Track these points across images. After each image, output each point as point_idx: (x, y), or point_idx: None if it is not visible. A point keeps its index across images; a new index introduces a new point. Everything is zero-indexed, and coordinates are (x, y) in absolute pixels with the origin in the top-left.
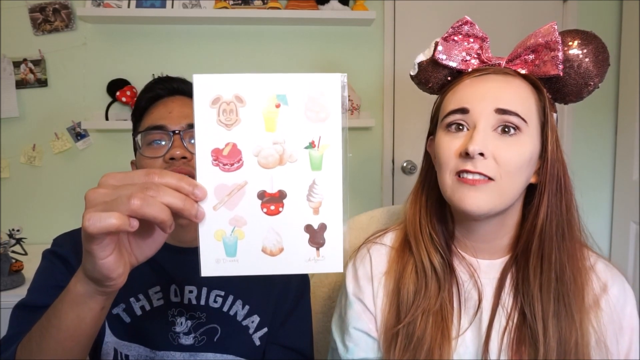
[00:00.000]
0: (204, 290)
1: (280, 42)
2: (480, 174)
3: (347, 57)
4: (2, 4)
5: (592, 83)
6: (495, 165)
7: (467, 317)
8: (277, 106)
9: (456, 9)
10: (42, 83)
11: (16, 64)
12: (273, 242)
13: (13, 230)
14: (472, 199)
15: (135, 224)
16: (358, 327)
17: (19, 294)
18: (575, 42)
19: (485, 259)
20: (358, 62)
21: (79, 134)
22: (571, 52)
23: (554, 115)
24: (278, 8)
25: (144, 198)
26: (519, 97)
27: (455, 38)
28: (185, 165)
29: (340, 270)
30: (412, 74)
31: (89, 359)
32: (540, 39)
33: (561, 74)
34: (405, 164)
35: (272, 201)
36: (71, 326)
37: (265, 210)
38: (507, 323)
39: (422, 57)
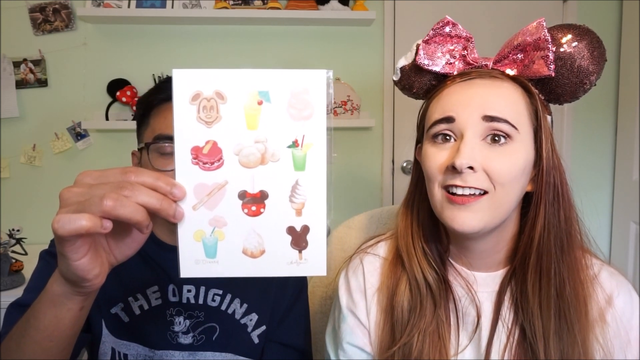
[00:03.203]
0: (202, 290)
1: (280, 42)
2: (471, 188)
3: (347, 57)
4: (2, 4)
5: (588, 81)
6: (487, 178)
7: (466, 334)
8: (260, 103)
9: (456, 9)
10: (42, 83)
11: (16, 64)
12: (254, 244)
13: (13, 230)
14: (463, 219)
15: (107, 225)
16: (352, 342)
17: (19, 294)
18: (567, 38)
19: (483, 272)
20: (358, 62)
21: (79, 134)
22: (563, 49)
23: (548, 117)
24: (278, 8)
25: (117, 198)
26: (507, 102)
27: (437, 40)
28: None
29: (324, 273)
30: (394, 79)
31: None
32: (528, 38)
33: (553, 74)
34: (405, 164)
35: (254, 202)
36: (49, 326)
37: (246, 210)
38: (508, 339)
39: (403, 62)
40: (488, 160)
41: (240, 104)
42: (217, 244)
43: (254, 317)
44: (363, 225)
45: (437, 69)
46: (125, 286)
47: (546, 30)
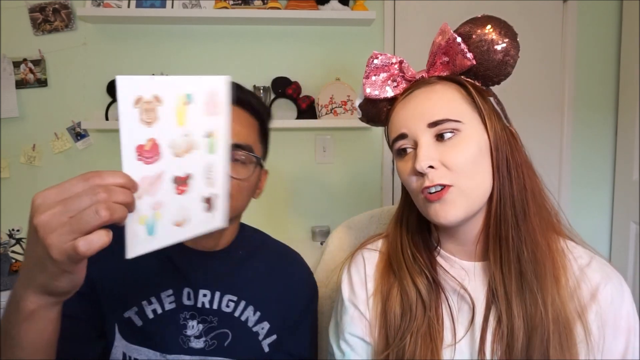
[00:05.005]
0: (217, 295)
1: (280, 42)
2: (436, 185)
3: (347, 57)
4: (2, 4)
5: (509, 56)
6: (448, 171)
7: (462, 326)
8: (186, 104)
9: (456, 9)
10: (42, 83)
11: (16, 64)
12: (182, 215)
13: (13, 230)
14: (443, 212)
15: (111, 234)
16: (353, 332)
17: None
18: (474, 29)
19: (474, 261)
20: (358, 62)
21: (79, 134)
22: (473, 39)
23: (490, 99)
24: (278, 8)
25: (108, 206)
26: (444, 102)
27: (374, 72)
28: None
29: (226, 225)
30: (359, 117)
31: None
32: (442, 42)
33: (475, 62)
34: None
35: (182, 183)
36: (35, 342)
37: (177, 191)
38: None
39: (358, 101)
40: (443, 155)
41: (173, 105)
42: (155, 223)
43: (266, 325)
44: (363, 225)
45: (388, 95)
46: (141, 290)
47: (451, 31)
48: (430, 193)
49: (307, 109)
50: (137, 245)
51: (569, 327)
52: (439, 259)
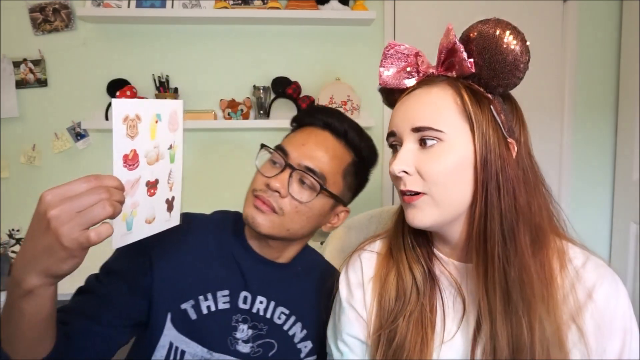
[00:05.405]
0: (272, 305)
1: (280, 42)
2: (409, 191)
3: (347, 57)
4: (2, 4)
5: (520, 61)
6: (422, 179)
7: (454, 322)
8: (156, 122)
9: (456, 9)
10: (42, 83)
11: (16, 64)
12: (151, 214)
13: (13, 230)
14: (413, 215)
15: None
16: (350, 333)
17: None
18: (487, 31)
19: (465, 262)
20: (358, 62)
21: (78, 134)
22: (483, 39)
23: (491, 108)
24: (278, 8)
25: (111, 203)
26: (433, 109)
27: (389, 66)
28: (268, 196)
29: (178, 223)
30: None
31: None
32: (446, 44)
33: (474, 71)
34: None
35: (152, 187)
36: (35, 315)
37: (149, 193)
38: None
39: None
40: (420, 163)
41: (148, 123)
42: (133, 220)
43: (309, 345)
44: (363, 225)
45: (401, 86)
46: (200, 284)
47: (453, 35)
48: (405, 195)
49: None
50: (120, 238)
51: (559, 345)
52: (437, 253)
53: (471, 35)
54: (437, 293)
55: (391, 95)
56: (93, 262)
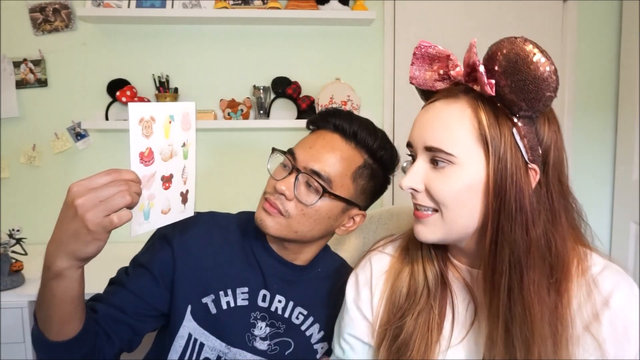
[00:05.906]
0: (290, 304)
1: (280, 42)
2: (421, 205)
3: (347, 57)
4: (2, 4)
5: (552, 79)
6: (431, 198)
7: (463, 328)
8: (170, 122)
9: (456, 9)
10: (42, 83)
11: (16, 64)
12: (167, 205)
13: (13, 230)
14: (420, 231)
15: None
16: (352, 333)
17: (19, 293)
18: (515, 47)
19: (478, 269)
20: (358, 62)
21: (79, 134)
22: (512, 54)
23: (513, 131)
24: (278, 8)
25: (130, 194)
26: (448, 129)
27: (420, 66)
28: (275, 199)
29: (192, 214)
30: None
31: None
32: (467, 60)
33: (493, 94)
34: (405, 164)
35: (167, 181)
36: (64, 295)
37: (164, 187)
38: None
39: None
40: (430, 182)
41: (162, 123)
42: (150, 211)
43: (325, 346)
44: (363, 226)
45: (430, 88)
46: (222, 279)
47: (474, 52)
48: (417, 210)
49: (307, 109)
50: (138, 227)
51: None
52: (451, 258)
53: (497, 54)
54: (449, 297)
55: (422, 93)
56: (102, 267)
